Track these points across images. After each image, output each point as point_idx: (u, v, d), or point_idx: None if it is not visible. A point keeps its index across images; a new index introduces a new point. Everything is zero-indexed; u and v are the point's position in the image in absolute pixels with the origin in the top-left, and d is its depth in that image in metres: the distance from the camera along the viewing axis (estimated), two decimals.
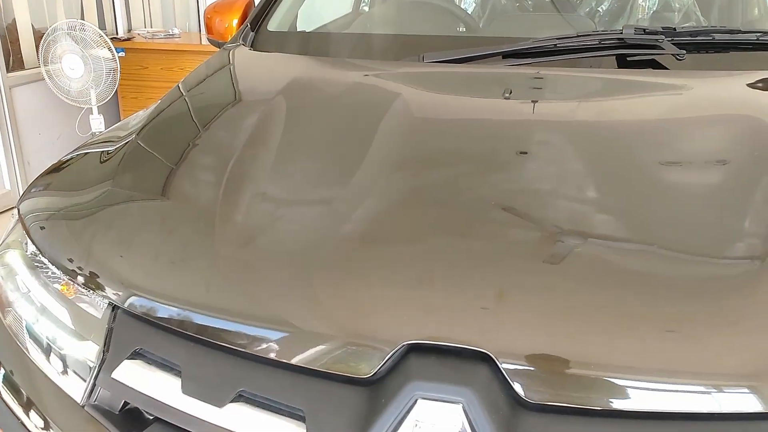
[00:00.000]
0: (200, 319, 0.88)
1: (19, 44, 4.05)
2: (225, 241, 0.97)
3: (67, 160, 1.38)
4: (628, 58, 1.46)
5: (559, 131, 1.20)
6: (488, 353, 0.74)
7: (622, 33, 1.43)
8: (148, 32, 4.68)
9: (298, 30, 1.95)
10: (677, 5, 2.29)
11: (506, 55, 1.48)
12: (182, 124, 1.41)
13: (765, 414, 0.71)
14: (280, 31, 1.82)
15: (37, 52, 3.91)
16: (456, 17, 2.03)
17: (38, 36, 4.01)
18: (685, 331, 0.77)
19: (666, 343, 0.76)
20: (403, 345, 0.76)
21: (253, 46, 1.77)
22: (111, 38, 4.30)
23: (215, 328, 0.87)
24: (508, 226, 0.95)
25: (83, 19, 4.26)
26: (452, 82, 1.46)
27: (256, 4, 2.02)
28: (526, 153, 1.14)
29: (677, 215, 0.95)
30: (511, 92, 1.32)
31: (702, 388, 0.72)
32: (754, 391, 0.72)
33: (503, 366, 0.73)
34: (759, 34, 1.46)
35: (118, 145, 1.36)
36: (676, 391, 0.72)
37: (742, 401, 0.72)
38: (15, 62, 4.01)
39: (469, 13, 2.18)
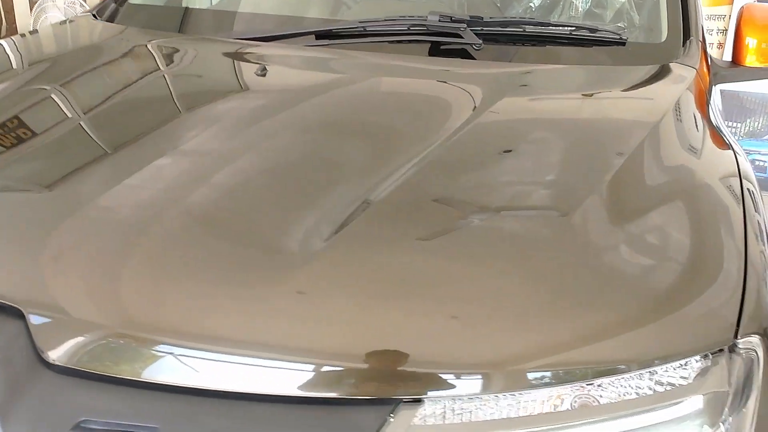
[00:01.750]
0: None
1: (14, 14, 4.16)
2: None
3: None
4: (442, 47, 1.34)
5: (276, 107, 1.18)
6: (19, 308, 0.73)
7: (426, 19, 1.32)
8: None
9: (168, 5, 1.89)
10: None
11: (319, 36, 1.39)
12: None
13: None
14: (139, 4, 1.76)
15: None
16: None
17: (33, 6, 4.11)
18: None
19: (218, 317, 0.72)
20: None
21: (112, 18, 1.72)
22: None
23: None
24: (170, 195, 0.91)
25: None
26: (235, 59, 1.41)
27: None
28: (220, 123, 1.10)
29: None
30: (264, 70, 1.31)
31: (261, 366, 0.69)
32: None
33: (30, 322, 0.72)
34: (572, 28, 1.32)
35: None
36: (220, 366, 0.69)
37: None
38: (9, 31, 4.11)
39: None
